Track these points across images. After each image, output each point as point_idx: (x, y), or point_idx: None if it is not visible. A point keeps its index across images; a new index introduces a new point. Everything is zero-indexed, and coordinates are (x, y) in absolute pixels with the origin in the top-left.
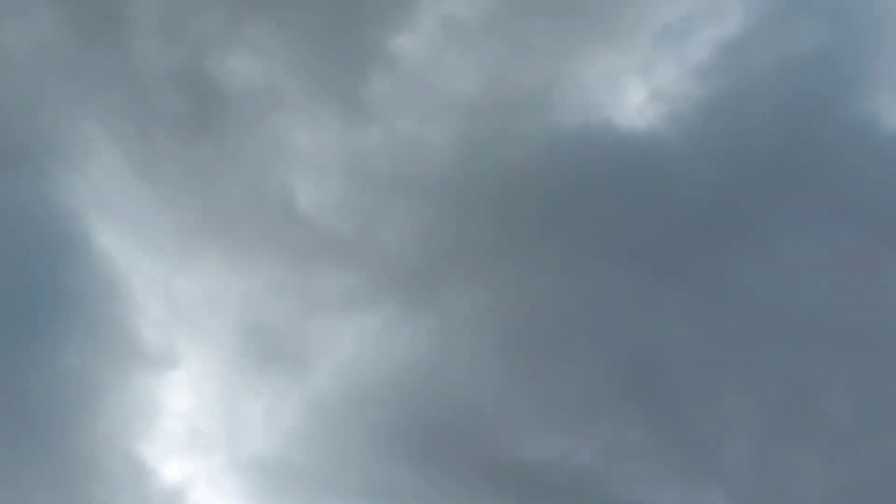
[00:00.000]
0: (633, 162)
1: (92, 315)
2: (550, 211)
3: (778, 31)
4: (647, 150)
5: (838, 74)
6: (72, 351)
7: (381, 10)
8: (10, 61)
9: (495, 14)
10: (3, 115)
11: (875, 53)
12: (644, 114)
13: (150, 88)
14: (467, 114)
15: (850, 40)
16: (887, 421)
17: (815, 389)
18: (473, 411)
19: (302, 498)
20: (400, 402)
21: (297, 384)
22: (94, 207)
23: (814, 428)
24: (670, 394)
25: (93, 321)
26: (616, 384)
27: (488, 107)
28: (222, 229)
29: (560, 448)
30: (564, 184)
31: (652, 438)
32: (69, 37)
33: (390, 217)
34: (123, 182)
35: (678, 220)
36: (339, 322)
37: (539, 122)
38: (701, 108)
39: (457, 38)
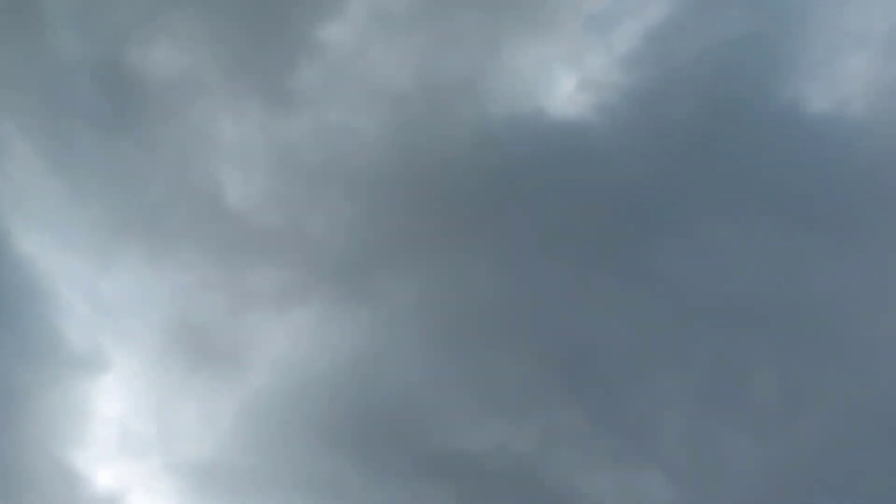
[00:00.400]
0: (564, 150)
1: (15, 318)
2: (482, 200)
3: (702, 18)
4: (577, 139)
5: (762, 60)
6: None
7: None
8: None
9: (425, 4)
10: None
11: (797, 38)
12: (574, 102)
13: (66, 81)
14: (397, 104)
15: (772, 26)
16: (812, 398)
17: (743, 370)
18: (411, 404)
19: (240, 498)
20: (336, 398)
21: (231, 383)
22: (12, 207)
23: (743, 407)
24: (604, 380)
25: (16, 324)
26: (551, 372)
27: (418, 97)
28: (147, 225)
29: (498, 437)
30: (496, 173)
31: (588, 424)
32: None
33: (320, 209)
34: (42, 180)
35: (608, 207)
36: (271, 318)
37: (470, 111)
38: (629, 96)
39: (386, 28)
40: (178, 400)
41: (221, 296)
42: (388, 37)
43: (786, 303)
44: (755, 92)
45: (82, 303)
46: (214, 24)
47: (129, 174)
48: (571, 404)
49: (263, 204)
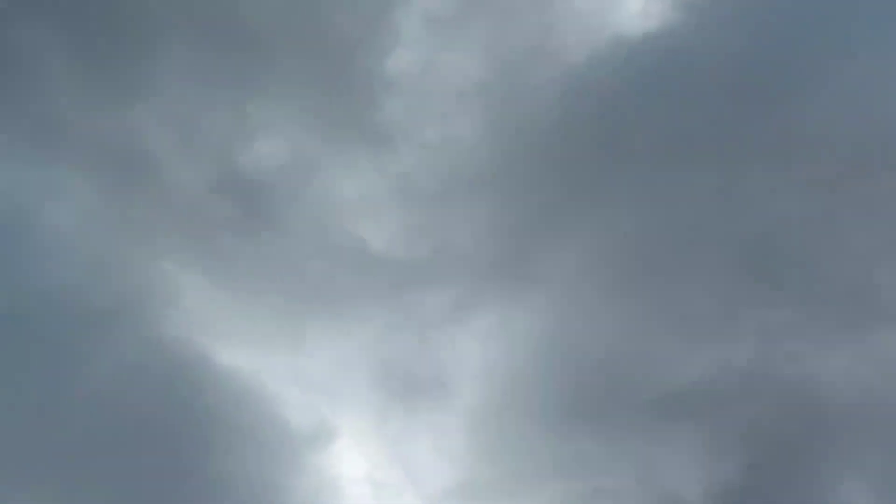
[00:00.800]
0: (659, 63)
1: (246, 426)
2: (602, 146)
3: None
4: (667, 47)
5: None
6: (238, 462)
7: (364, 37)
8: (68, 245)
9: None
10: (89, 284)
11: None
12: (649, 14)
13: (192, 204)
14: (482, 94)
15: None
16: None
17: None
18: (624, 358)
19: None
20: (550, 381)
21: (451, 407)
22: (200, 331)
23: None
24: (800, 259)
25: (248, 430)
26: (745, 274)
27: (500, 80)
28: (317, 298)
29: (718, 357)
30: (602, 114)
31: (801, 310)
32: (108, 196)
33: (457, 221)
34: (213, 298)
35: (732, 94)
36: (460, 334)
37: (553, 69)
38: None
39: (443, 32)
40: (410, 440)
41: (410, 333)
42: (449, 39)
43: None
44: None
45: (292, 387)
46: (297, 101)
47: (283, 259)
48: (777, 299)
49: (407, 238)
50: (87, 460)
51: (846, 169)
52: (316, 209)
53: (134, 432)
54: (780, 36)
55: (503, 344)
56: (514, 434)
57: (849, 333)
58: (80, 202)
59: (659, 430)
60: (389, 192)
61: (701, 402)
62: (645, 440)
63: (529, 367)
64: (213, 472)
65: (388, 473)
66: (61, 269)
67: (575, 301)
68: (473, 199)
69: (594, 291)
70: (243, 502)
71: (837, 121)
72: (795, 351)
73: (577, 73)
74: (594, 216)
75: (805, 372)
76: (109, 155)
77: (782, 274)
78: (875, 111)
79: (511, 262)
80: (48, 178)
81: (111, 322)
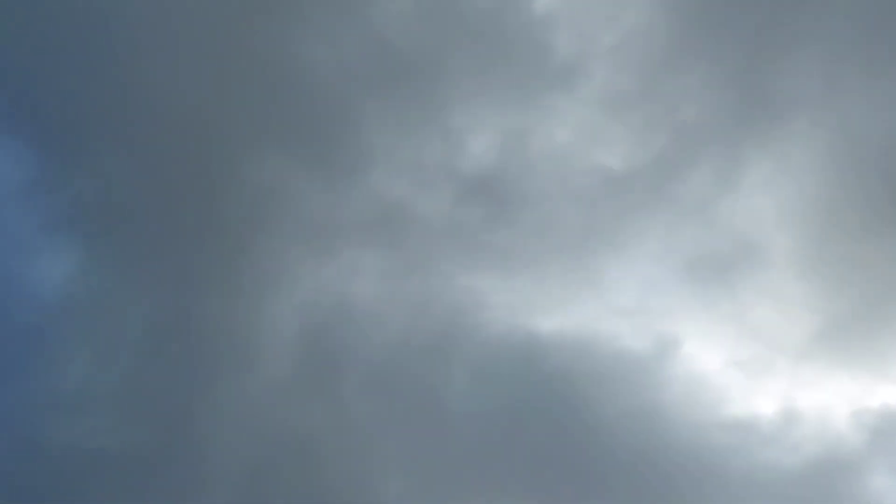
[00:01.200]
0: None
1: (602, 374)
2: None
3: None
4: None
5: None
6: (617, 402)
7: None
8: (381, 310)
9: None
10: (416, 326)
11: None
12: None
13: (457, 224)
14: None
15: None
16: None
17: None
18: None
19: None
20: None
21: (768, 267)
22: (528, 316)
23: None
24: None
25: (607, 375)
26: None
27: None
28: (596, 238)
29: None
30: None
31: None
32: (387, 255)
33: (678, 101)
34: (514, 287)
35: None
36: (744, 196)
37: None
38: None
39: None
40: (747, 313)
41: (694, 222)
42: None
43: None
44: None
45: (621, 321)
46: (481, 90)
47: (548, 226)
48: None
49: (638, 143)
50: (492, 471)
51: None
52: (550, 167)
53: (532, 429)
54: None
55: (791, 182)
56: (852, 257)
57: None
58: (371, 272)
59: None
60: (599, 111)
61: None
62: None
63: (831, 187)
64: (610, 417)
65: (745, 350)
66: (385, 329)
67: (840, 103)
68: (682, 71)
69: (855, 83)
70: (640, 430)
71: None
72: None
73: None
74: (818, 14)
75: None
76: (370, 222)
77: None
78: None
79: (751, 106)
80: (341, 266)
81: (445, 347)
